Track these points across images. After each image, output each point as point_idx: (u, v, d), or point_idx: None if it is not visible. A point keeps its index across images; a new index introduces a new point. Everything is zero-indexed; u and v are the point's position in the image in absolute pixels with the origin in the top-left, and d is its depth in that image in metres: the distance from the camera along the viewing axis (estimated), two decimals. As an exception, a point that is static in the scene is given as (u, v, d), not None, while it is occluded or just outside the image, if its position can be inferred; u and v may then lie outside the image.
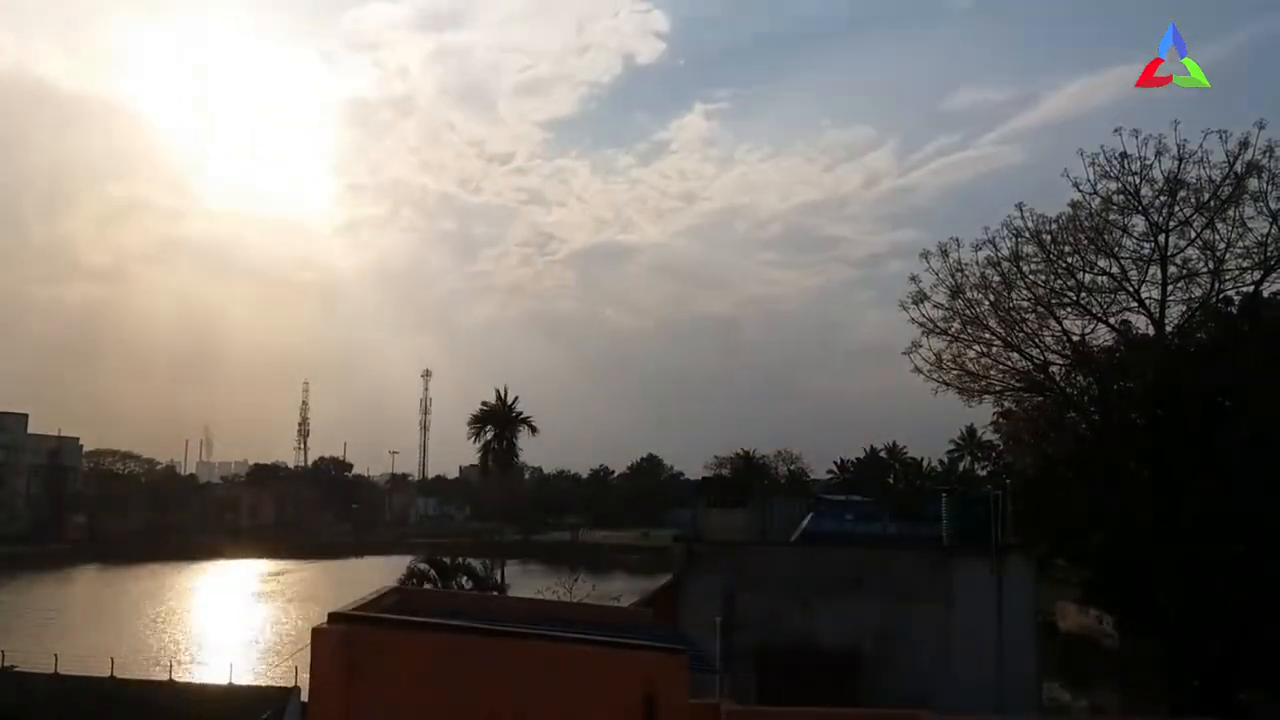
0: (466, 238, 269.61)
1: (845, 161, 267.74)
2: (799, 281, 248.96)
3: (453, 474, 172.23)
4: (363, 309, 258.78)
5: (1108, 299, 28.55)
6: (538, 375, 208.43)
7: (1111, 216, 28.32)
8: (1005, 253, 29.39)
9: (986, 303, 29.78)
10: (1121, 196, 27.94)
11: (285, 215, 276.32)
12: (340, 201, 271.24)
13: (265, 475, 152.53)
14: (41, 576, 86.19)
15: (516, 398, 64.97)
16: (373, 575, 60.19)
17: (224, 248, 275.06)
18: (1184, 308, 27.66)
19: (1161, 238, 27.55)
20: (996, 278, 29.77)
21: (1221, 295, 26.86)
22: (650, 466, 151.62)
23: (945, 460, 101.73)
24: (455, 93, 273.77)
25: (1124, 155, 27.39)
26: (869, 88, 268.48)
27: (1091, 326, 28.81)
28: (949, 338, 30.54)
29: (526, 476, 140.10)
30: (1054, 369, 28.87)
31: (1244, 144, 26.41)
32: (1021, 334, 29.54)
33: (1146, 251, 27.99)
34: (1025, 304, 29.53)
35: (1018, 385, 30.09)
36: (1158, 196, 27.45)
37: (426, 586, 33.35)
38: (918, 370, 31.16)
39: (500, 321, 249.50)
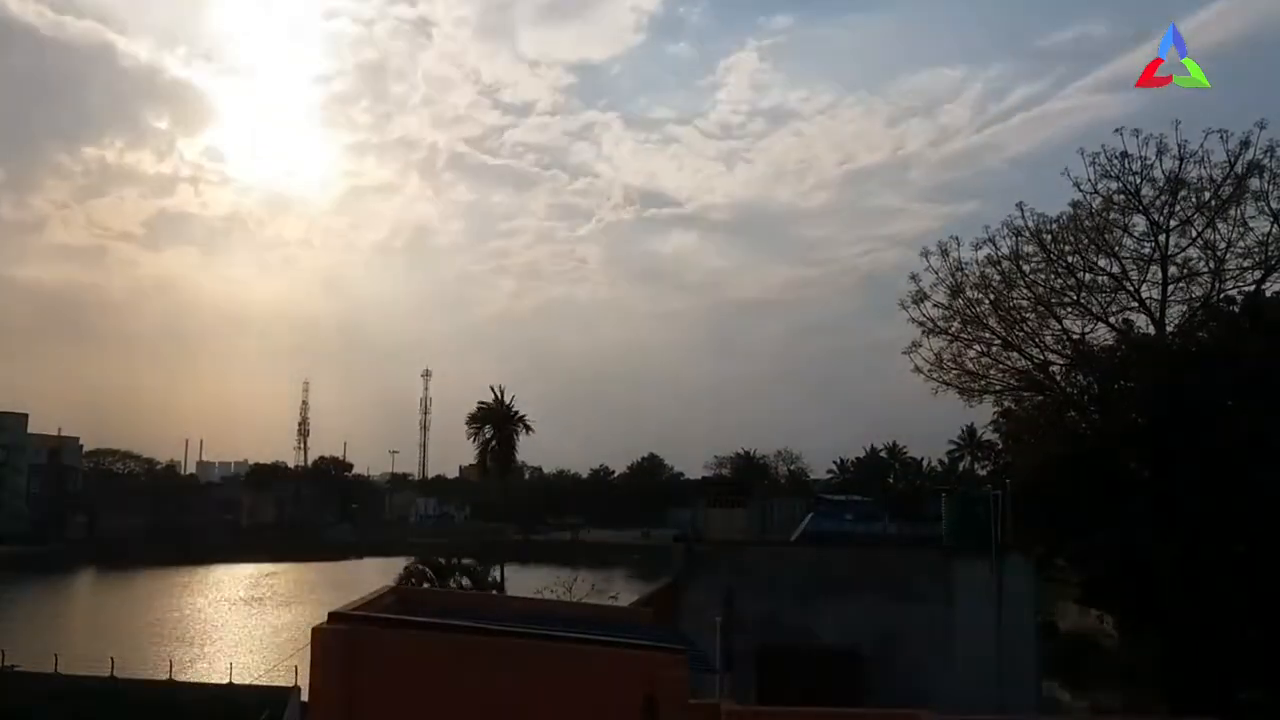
0: (480, 209, 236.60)
1: (916, 115, 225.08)
2: (844, 261, 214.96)
3: (453, 474, 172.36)
4: (366, 293, 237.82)
5: (1108, 298, 28.60)
6: (549, 367, 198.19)
7: (1112, 216, 28.38)
8: (1005, 252, 29.53)
9: (987, 302, 29.84)
10: (1122, 196, 28.01)
11: (285, 182, 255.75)
12: (343, 165, 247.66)
13: (265, 475, 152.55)
14: (37, 584, 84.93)
15: (514, 397, 64.99)
16: (377, 578, 60.04)
17: (217, 223, 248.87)
18: (1185, 307, 27.74)
19: (1162, 237, 27.59)
20: (997, 277, 29.85)
21: (1223, 295, 26.89)
22: (650, 466, 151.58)
23: (945, 460, 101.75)
24: (473, 24, 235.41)
25: (1124, 155, 27.50)
26: (957, 17, 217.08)
27: (1092, 326, 28.88)
28: (949, 337, 30.63)
29: (526, 476, 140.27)
30: (1054, 368, 28.90)
31: (1245, 143, 26.51)
32: (1021, 333, 29.58)
33: (1147, 251, 28.03)
34: (1025, 303, 29.60)
35: (1018, 385, 30.11)
36: (1158, 196, 27.51)
37: (425, 586, 33.36)
38: (918, 370, 31.24)
39: (513, 309, 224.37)
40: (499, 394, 64.37)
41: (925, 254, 30.60)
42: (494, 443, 63.92)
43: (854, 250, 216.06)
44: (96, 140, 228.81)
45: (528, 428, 64.88)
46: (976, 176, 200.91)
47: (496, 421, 63.65)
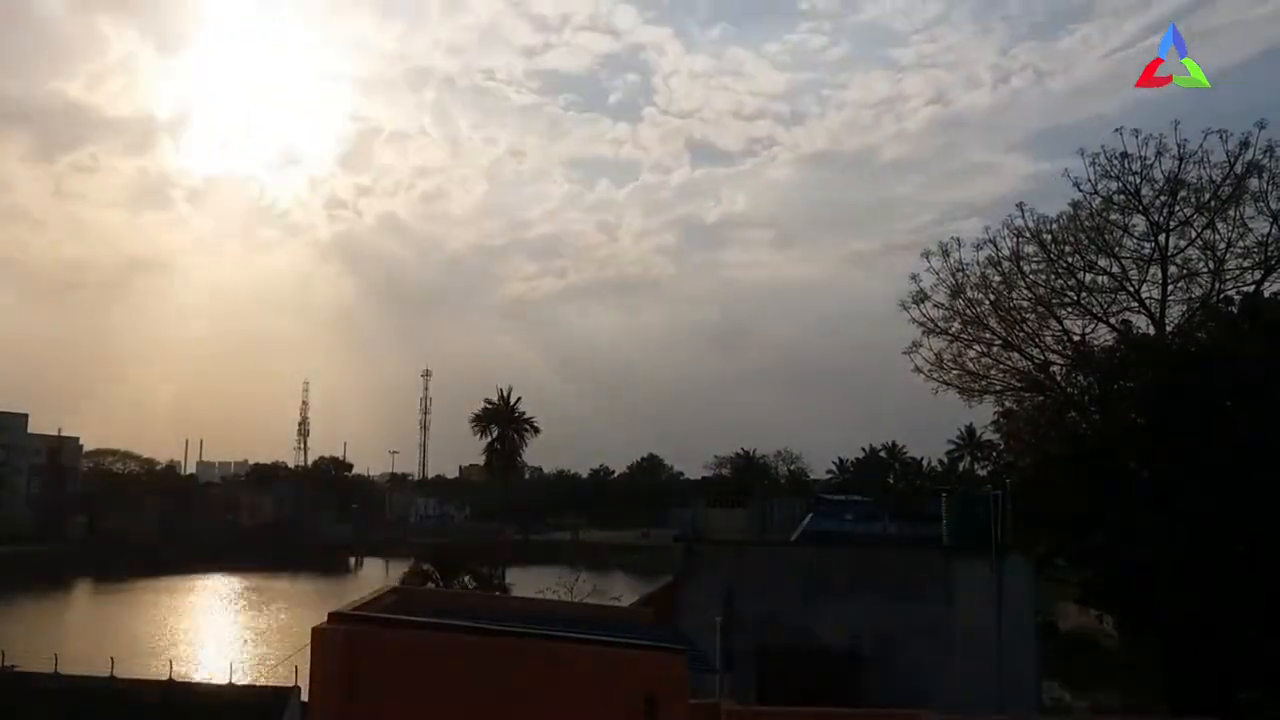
0: (500, 170, 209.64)
1: (1034, 37, 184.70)
2: (908, 234, 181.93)
3: (453, 474, 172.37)
4: (369, 277, 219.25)
5: (1108, 299, 28.64)
6: (558, 360, 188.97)
7: (1112, 216, 28.42)
8: (1006, 252, 29.61)
9: (987, 302, 29.89)
10: (1122, 196, 28.06)
11: (282, 134, 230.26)
12: (350, 106, 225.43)
13: (265, 475, 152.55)
14: (34, 592, 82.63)
15: (519, 398, 65.16)
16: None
17: (204, 192, 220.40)
18: (1184, 308, 27.79)
19: (1162, 237, 27.61)
20: (997, 277, 29.92)
21: (1222, 295, 26.93)
22: (650, 466, 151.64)
23: (945, 460, 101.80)
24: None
25: (1124, 155, 27.54)
26: None
27: (1092, 326, 28.92)
28: (949, 337, 30.68)
29: (527, 476, 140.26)
30: (1054, 369, 28.95)
31: (1244, 144, 26.53)
32: (1022, 334, 29.63)
33: (1147, 251, 28.07)
34: (1026, 304, 29.66)
35: (1018, 385, 30.17)
36: (1158, 196, 27.55)
37: (429, 586, 33.41)
38: (918, 370, 31.27)
39: (528, 295, 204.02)
40: (504, 394, 64.56)
41: (926, 255, 30.76)
42: (498, 443, 64.16)
43: (922, 219, 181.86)
44: (56, 76, 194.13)
45: (535, 429, 65.16)
46: (1085, 124, 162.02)
47: (501, 422, 63.82)
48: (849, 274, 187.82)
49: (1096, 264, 28.71)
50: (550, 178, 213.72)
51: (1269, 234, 26.76)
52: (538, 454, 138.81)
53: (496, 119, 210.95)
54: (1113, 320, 28.45)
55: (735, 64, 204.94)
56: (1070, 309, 29.08)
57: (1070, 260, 28.97)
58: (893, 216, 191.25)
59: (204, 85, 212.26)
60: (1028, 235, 29.25)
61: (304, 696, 21.94)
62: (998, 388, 30.74)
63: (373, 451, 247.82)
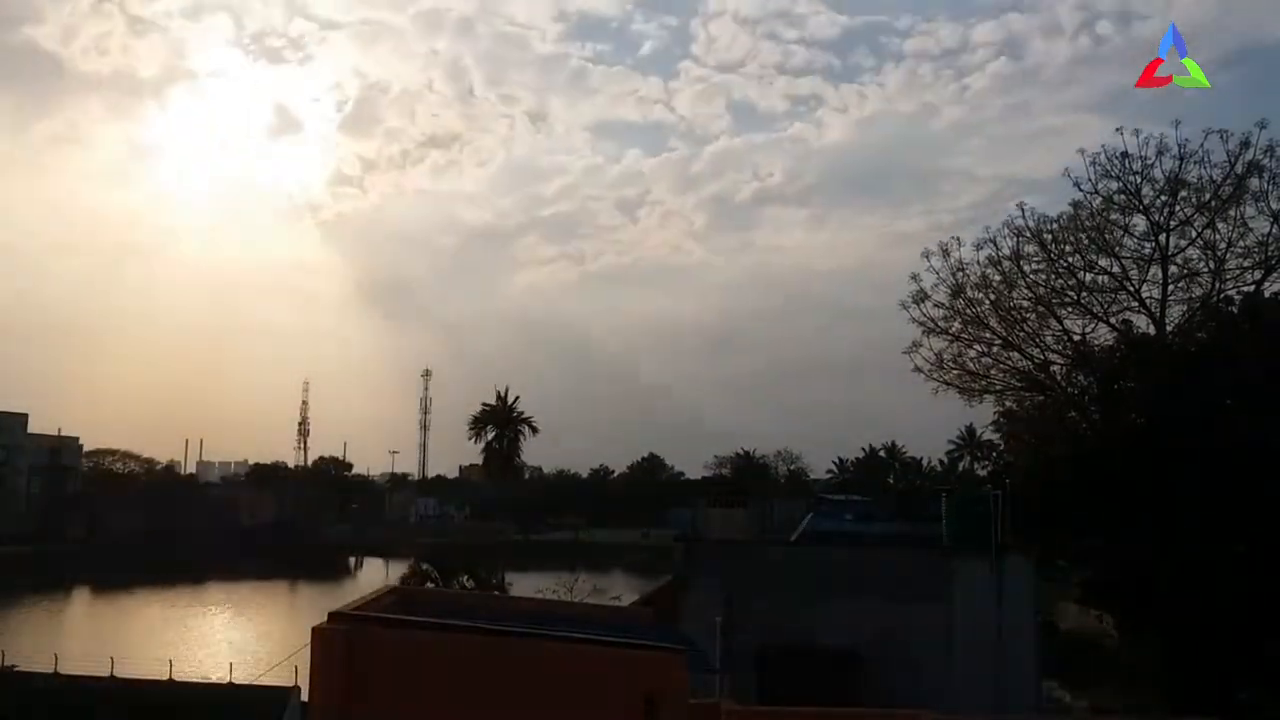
0: (516, 142, 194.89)
1: None
2: (955, 212, 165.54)
3: (453, 474, 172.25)
4: (371, 264, 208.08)
5: (1109, 298, 28.65)
6: (563, 355, 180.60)
7: (1112, 216, 28.43)
8: (1006, 252, 29.61)
9: (987, 302, 29.89)
10: (1122, 196, 28.07)
11: (281, 105, 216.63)
12: (350, 60, 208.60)
13: (265, 475, 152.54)
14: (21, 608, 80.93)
15: (518, 397, 65.22)
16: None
17: (194, 168, 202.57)
18: (1185, 307, 27.81)
19: (1162, 237, 27.62)
20: (997, 277, 29.92)
21: (1222, 295, 26.95)
22: (650, 466, 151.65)
23: (945, 460, 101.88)
24: None
25: (1125, 155, 27.57)
26: None
27: (1092, 326, 28.94)
28: (949, 337, 30.66)
29: (526, 476, 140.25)
30: (1055, 368, 28.95)
31: (1245, 144, 26.54)
32: (1022, 333, 29.63)
33: (1147, 251, 28.07)
34: (1026, 303, 29.66)
35: (1018, 385, 30.18)
36: (1159, 196, 27.56)
37: (429, 586, 33.41)
38: (918, 370, 31.26)
39: (538, 283, 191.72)
40: (503, 395, 64.60)
41: (926, 254, 30.75)
42: (496, 443, 64.21)
43: (971, 196, 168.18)
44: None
45: (533, 429, 65.28)
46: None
47: (499, 422, 63.88)
48: (885, 258, 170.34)
49: (1097, 264, 28.72)
50: (572, 145, 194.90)
51: (1269, 234, 26.77)
52: (538, 454, 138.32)
53: (515, 73, 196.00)
54: (1113, 320, 28.46)
55: (788, 1, 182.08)
56: (1070, 309, 29.09)
57: (1070, 260, 28.97)
58: (939, 194, 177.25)
59: (190, 38, 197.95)
60: (1028, 235, 29.27)
61: (304, 696, 21.93)
62: (998, 388, 30.76)
63: (373, 451, 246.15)
